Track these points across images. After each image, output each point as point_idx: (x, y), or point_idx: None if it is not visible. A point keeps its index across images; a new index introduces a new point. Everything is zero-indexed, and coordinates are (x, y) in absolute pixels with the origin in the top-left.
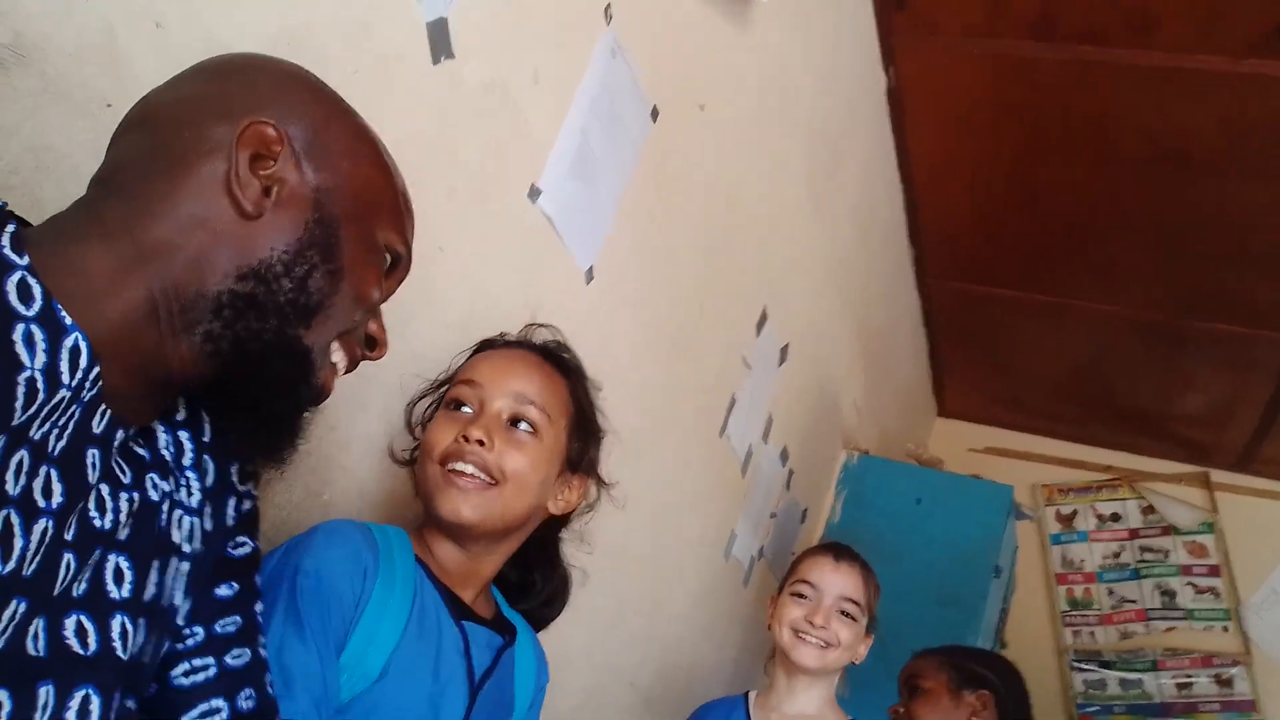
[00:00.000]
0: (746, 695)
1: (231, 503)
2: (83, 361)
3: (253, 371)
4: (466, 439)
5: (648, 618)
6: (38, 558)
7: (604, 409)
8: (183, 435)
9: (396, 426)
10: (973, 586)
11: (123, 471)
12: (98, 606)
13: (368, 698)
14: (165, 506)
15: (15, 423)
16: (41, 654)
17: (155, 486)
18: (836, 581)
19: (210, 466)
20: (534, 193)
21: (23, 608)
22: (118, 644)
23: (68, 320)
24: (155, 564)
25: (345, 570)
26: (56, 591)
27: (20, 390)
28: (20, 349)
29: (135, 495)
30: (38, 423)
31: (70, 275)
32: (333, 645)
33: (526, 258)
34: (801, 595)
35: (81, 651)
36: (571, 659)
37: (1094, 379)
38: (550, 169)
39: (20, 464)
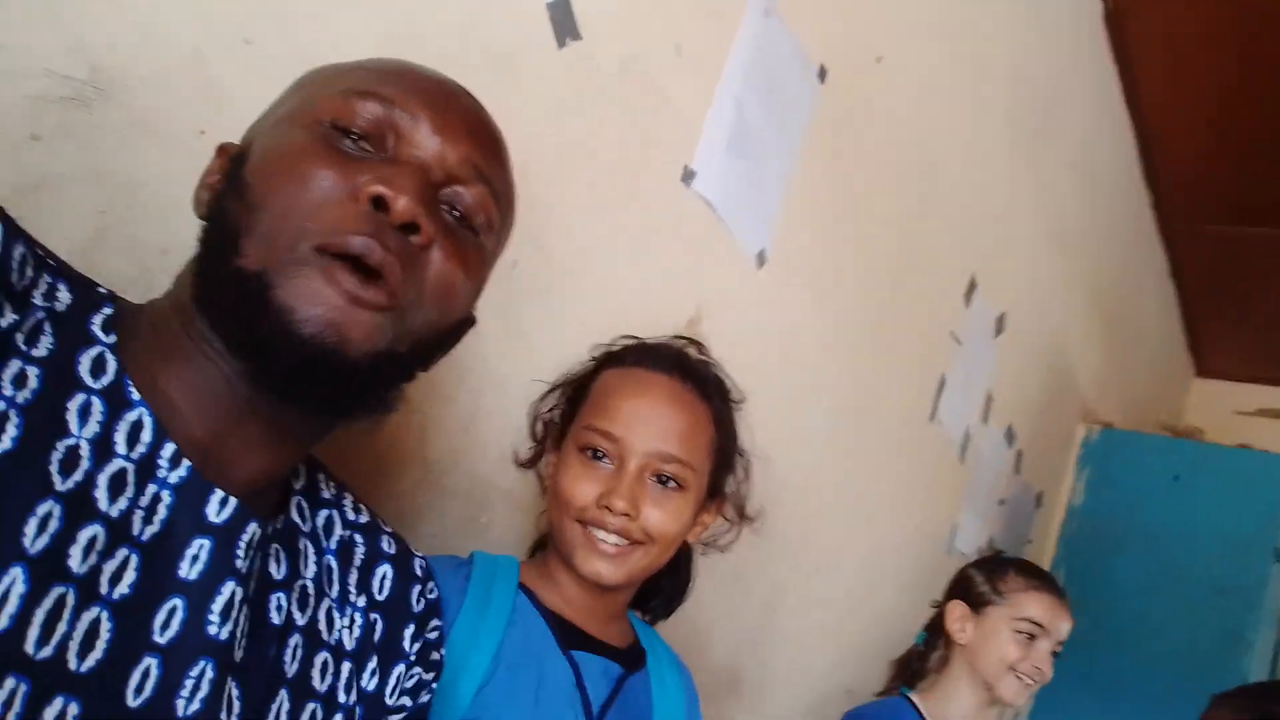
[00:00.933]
0: (907, 697)
1: (399, 670)
2: (145, 436)
3: (230, 322)
4: (610, 509)
5: (865, 624)
6: (95, 654)
7: (786, 406)
8: (351, 581)
9: None
10: (1249, 574)
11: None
12: None
13: None
14: (295, 641)
15: (61, 489)
16: None
17: (280, 609)
18: (1064, 626)
19: (380, 624)
20: (688, 175)
21: (74, 709)
22: None
23: (135, 396)
24: (284, 704)
25: None
26: (137, 703)
27: (56, 456)
28: (71, 417)
29: (247, 609)
30: (104, 495)
31: (150, 343)
32: None
33: (686, 249)
34: (1029, 635)
35: None
36: (788, 677)
37: None
38: (704, 148)
39: (93, 541)
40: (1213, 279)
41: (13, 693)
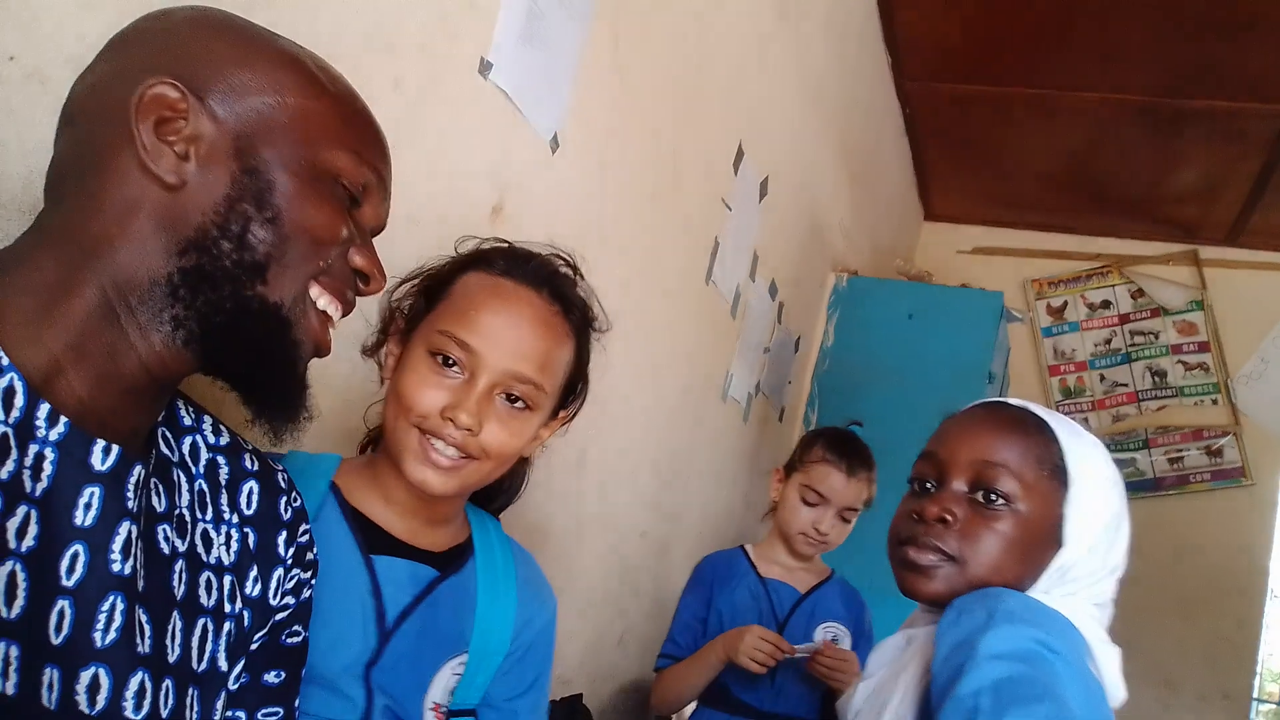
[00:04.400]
0: (742, 548)
1: (278, 574)
2: (18, 401)
3: (229, 344)
4: (454, 422)
5: (654, 470)
6: (18, 601)
7: (589, 274)
8: (222, 500)
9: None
10: (968, 395)
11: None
12: (119, 660)
13: None
14: (179, 566)
15: None
16: (53, 708)
17: (166, 540)
18: (845, 496)
19: (252, 536)
20: (485, 67)
21: (15, 651)
22: (129, 703)
23: (4, 361)
24: (176, 623)
25: None
26: (58, 641)
27: None
28: None
29: (142, 543)
30: None
31: (20, 297)
32: None
33: (488, 138)
34: (810, 503)
35: (88, 710)
36: (585, 522)
37: (1082, 168)
38: (499, 39)
39: None
40: (940, 133)
41: None
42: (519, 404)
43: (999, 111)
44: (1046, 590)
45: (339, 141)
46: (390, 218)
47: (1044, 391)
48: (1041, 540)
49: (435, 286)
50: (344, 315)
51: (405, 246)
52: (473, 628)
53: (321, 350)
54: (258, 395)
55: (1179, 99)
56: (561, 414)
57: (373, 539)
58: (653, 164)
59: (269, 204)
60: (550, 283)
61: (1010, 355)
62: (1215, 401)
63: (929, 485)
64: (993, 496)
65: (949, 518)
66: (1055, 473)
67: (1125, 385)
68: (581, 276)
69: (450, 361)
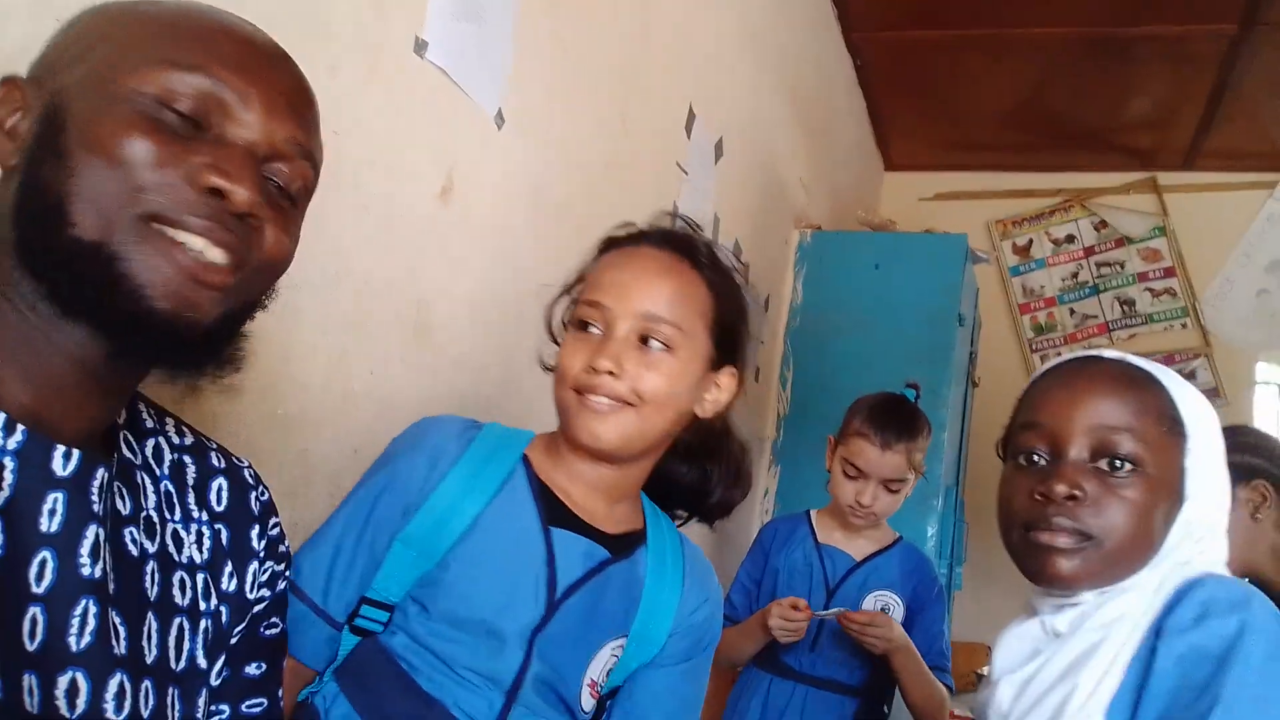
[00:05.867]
0: (808, 513)
1: (253, 568)
2: None
3: (78, 300)
4: (596, 370)
5: None
6: None
7: (542, 253)
8: (190, 500)
9: (334, 327)
10: (940, 340)
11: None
12: (96, 663)
13: (432, 579)
14: (150, 567)
15: None
16: (36, 711)
17: (135, 542)
18: (882, 468)
19: (225, 532)
20: (420, 46)
21: None
22: (109, 705)
23: None
24: (151, 624)
25: (409, 456)
26: (33, 647)
27: None
28: None
29: (110, 547)
30: None
31: None
32: (371, 530)
33: (430, 119)
34: (851, 476)
35: (68, 714)
36: None
37: (1037, 105)
38: (432, 16)
39: None
40: (892, 80)
41: None
42: (659, 346)
43: (949, 55)
44: (1175, 550)
45: (147, 58)
46: (339, 208)
47: (1015, 330)
48: (1168, 500)
49: (577, 283)
50: (229, 242)
51: (356, 235)
52: (637, 613)
53: (182, 282)
54: (138, 346)
55: (1124, 27)
56: (729, 369)
57: (555, 513)
58: (603, 133)
59: (57, 144)
60: (666, 237)
61: (979, 296)
62: (1185, 325)
63: (1038, 458)
64: (1118, 463)
65: (1080, 494)
66: (1173, 426)
67: (1095, 317)
68: (699, 229)
69: (590, 325)
